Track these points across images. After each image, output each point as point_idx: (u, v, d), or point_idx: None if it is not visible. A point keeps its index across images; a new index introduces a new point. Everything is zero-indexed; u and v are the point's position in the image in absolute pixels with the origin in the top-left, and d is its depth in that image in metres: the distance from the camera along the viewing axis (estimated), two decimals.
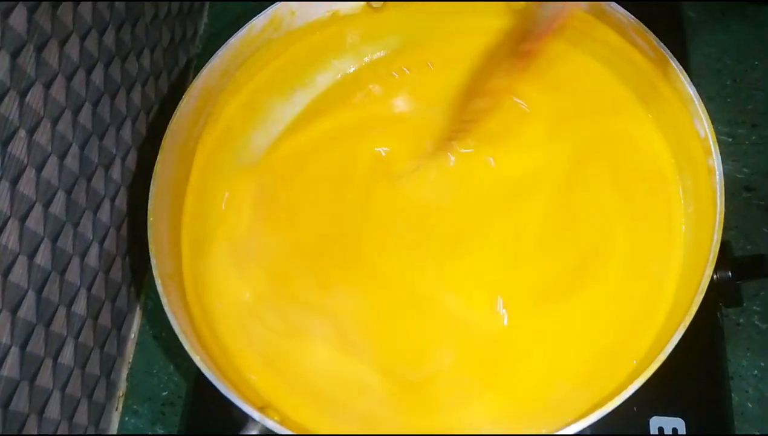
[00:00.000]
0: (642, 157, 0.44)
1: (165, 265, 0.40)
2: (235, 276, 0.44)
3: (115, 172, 0.49)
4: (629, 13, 0.42)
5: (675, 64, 0.40)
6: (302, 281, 0.43)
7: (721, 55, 0.57)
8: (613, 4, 0.43)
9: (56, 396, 0.42)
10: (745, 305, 0.46)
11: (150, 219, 0.40)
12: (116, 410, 0.49)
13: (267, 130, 0.48)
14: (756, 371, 0.46)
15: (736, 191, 0.51)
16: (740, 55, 0.57)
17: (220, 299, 0.43)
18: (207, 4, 0.65)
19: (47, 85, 0.41)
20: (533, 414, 0.38)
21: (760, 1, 0.58)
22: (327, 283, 0.43)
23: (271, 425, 0.35)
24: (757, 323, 0.48)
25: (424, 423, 0.39)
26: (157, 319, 0.52)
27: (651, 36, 0.41)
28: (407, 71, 0.49)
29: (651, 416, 0.42)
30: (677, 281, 0.40)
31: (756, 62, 0.57)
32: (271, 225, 0.45)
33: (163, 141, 0.42)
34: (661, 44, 0.41)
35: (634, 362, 0.38)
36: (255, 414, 0.35)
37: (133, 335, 0.52)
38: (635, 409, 0.41)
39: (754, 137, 0.53)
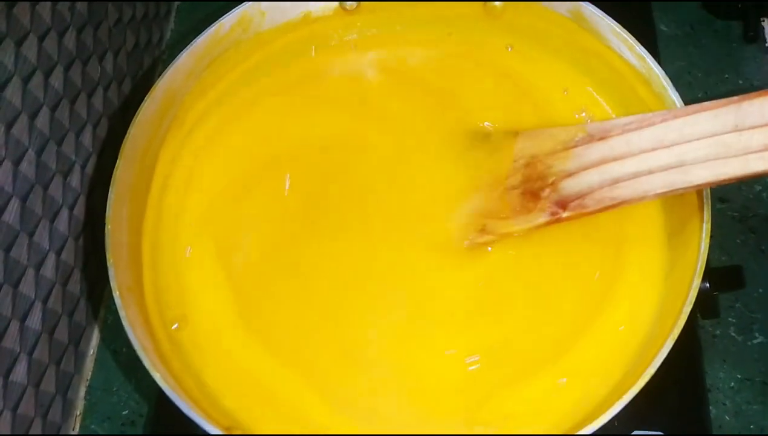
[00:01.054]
0: None
1: (124, 276, 0.38)
2: None
3: (74, 180, 0.47)
4: (608, 16, 0.41)
5: (657, 69, 0.40)
6: (272, 293, 0.41)
7: (692, 68, 0.58)
8: (593, 8, 0.42)
9: (7, 417, 0.39)
10: (721, 316, 0.46)
11: (108, 227, 0.38)
12: (73, 430, 0.47)
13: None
14: (733, 384, 0.46)
15: (710, 202, 0.51)
16: (710, 68, 0.58)
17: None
18: (174, 9, 0.63)
19: (1, 87, 0.39)
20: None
21: (728, 17, 0.59)
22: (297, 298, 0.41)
23: None
24: (733, 334, 0.47)
25: None
26: (117, 334, 0.50)
27: (632, 40, 0.41)
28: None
29: (632, 431, 0.41)
30: (662, 293, 0.39)
31: (726, 75, 0.57)
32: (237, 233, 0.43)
33: (123, 144, 0.40)
34: (643, 48, 0.41)
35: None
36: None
37: (91, 351, 0.49)
38: (616, 423, 0.40)
39: None
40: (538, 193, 0.39)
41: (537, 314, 0.40)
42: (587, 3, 0.43)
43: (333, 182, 0.44)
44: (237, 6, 0.44)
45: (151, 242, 0.42)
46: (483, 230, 0.41)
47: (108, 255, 0.37)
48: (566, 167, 0.39)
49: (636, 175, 0.36)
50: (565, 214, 0.39)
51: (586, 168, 0.38)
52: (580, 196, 0.38)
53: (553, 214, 0.39)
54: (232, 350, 0.40)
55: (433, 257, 0.42)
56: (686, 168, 0.35)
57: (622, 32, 0.42)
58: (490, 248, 0.41)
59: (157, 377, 0.34)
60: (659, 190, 0.36)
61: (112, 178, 0.39)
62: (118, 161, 0.40)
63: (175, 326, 0.40)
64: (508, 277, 0.41)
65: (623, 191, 0.37)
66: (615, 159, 0.37)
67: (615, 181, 0.37)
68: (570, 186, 0.38)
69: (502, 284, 0.41)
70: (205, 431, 0.33)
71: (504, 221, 0.40)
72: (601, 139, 0.38)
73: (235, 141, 0.46)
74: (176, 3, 0.63)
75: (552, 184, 0.39)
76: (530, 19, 0.45)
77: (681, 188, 0.35)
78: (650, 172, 0.36)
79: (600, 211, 0.38)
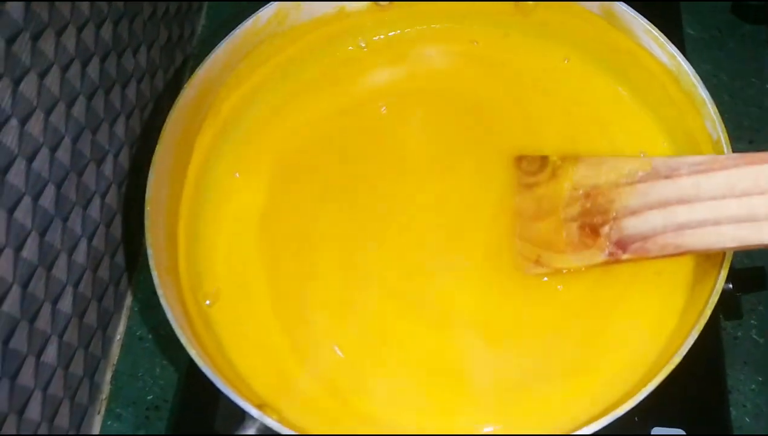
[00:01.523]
0: None
1: (161, 258, 0.38)
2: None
3: (107, 169, 0.48)
4: (640, 15, 0.42)
5: (687, 67, 0.40)
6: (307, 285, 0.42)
7: (718, 71, 0.58)
8: (625, 6, 0.42)
9: (37, 396, 0.40)
10: (743, 318, 0.46)
11: (147, 208, 0.38)
12: (98, 413, 0.48)
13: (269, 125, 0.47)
14: (753, 386, 0.46)
15: None
16: (736, 72, 0.58)
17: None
18: (205, 6, 0.64)
19: (42, 75, 0.40)
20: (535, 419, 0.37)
21: (755, 21, 0.59)
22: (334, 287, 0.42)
23: (271, 423, 0.34)
24: (755, 337, 0.47)
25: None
26: (144, 320, 0.51)
27: (663, 39, 0.41)
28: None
29: (652, 427, 0.41)
30: (689, 286, 0.39)
31: (752, 79, 0.58)
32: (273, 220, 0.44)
33: (162, 129, 0.41)
34: (674, 47, 0.41)
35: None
36: (254, 412, 0.34)
37: (118, 337, 0.50)
38: (636, 419, 0.41)
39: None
40: (598, 229, 0.37)
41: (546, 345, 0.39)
42: (620, 2, 0.43)
43: (368, 187, 0.44)
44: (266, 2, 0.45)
45: (186, 225, 0.43)
46: (537, 262, 0.39)
47: (147, 236, 0.38)
48: (629, 204, 0.36)
49: (703, 224, 0.34)
50: (624, 257, 0.37)
51: (650, 208, 0.36)
52: (643, 238, 0.36)
53: (611, 254, 0.37)
54: (261, 330, 0.41)
55: (477, 278, 0.41)
56: (760, 224, 0.32)
57: (653, 30, 0.42)
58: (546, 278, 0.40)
59: (193, 353, 0.35)
60: (728, 245, 0.34)
61: (152, 162, 0.40)
62: (157, 146, 0.41)
63: (208, 302, 0.41)
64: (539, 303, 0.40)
65: (689, 240, 0.34)
66: (681, 202, 0.35)
67: (680, 227, 0.35)
68: (632, 226, 0.36)
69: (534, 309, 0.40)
70: (237, 406, 0.34)
71: (560, 255, 0.39)
72: (668, 177, 0.36)
73: (268, 134, 0.47)
74: (206, 1, 0.65)
75: (613, 220, 0.37)
76: (562, 16, 0.45)
77: (753, 246, 0.33)
78: (718, 222, 0.33)
79: (662, 257, 0.36)
